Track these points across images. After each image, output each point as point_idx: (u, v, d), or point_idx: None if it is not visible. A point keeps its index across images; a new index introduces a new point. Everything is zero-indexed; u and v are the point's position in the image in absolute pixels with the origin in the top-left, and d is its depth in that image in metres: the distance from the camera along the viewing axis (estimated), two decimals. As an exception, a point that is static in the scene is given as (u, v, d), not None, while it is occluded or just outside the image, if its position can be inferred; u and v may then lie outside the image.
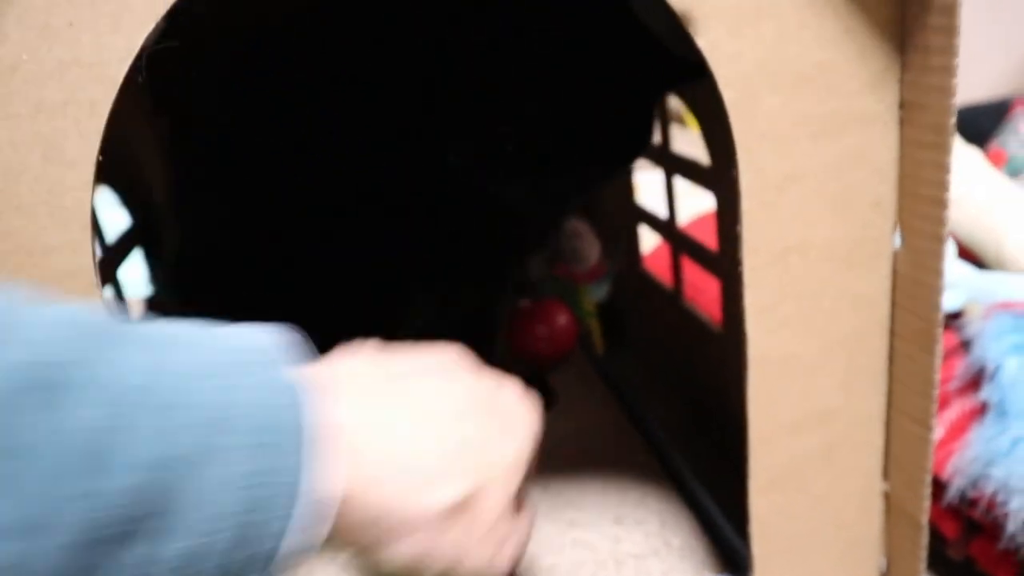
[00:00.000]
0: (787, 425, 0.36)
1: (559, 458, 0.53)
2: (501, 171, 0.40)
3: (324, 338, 0.27)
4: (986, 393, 0.42)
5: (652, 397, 0.59)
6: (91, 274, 0.29)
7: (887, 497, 0.39)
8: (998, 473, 0.40)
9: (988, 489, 0.40)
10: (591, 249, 0.59)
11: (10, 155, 0.27)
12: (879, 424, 0.38)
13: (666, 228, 0.57)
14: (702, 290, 0.57)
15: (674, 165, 0.54)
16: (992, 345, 0.42)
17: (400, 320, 0.51)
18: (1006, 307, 0.45)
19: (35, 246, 0.28)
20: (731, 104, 0.31)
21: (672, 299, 0.58)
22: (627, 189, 0.62)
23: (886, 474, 0.38)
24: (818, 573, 0.39)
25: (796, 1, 0.31)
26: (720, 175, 0.46)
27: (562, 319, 0.62)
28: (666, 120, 0.54)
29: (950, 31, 0.30)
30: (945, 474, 0.42)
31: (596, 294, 0.58)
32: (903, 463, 0.37)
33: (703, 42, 0.30)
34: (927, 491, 0.36)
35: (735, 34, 0.30)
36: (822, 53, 0.32)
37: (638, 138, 0.42)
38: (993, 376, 0.42)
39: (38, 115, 0.27)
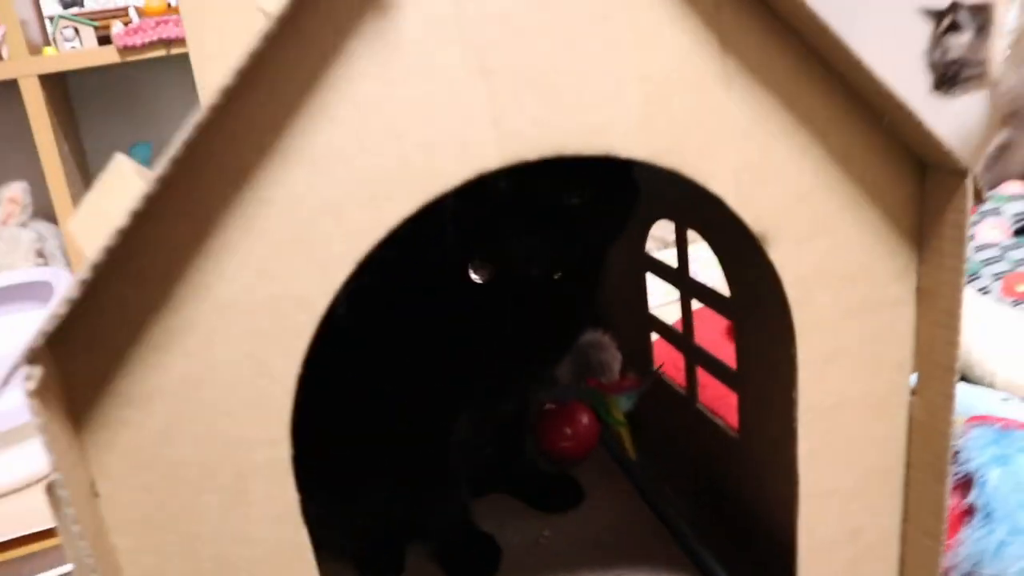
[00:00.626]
0: (827, 541, 0.44)
1: (598, 547, 0.61)
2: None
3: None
4: (973, 498, 0.51)
5: (669, 492, 0.66)
6: (287, 466, 0.34)
7: (905, 596, 0.47)
8: (987, 571, 0.48)
9: (981, 582, 0.49)
10: (614, 361, 0.67)
11: (225, 372, 0.33)
12: (897, 538, 0.46)
13: (683, 341, 0.65)
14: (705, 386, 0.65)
15: (692, 290, 0.63)
16: (975, 456, 0.51)
17: (446, 434, 0.57)
18: (982, 420, 0.54)
19: (240, 443, 0.34)
20: (793, 301, 0.39)
21: (687, 403, 0.66)
22: (642, 304, 0.70)
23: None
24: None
25: (843, 219, 0.39)
26: (738, 306, 0.55)
27: (585, 419, 0.69)
28: (684, 248, 0.63)
29: (959, 240, 0.39)
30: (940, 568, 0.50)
31: (625, 405, 0.65)
32: (917, 569, 0.45)
33: (775, 255, 0.38)
34: (941, 592, 0.44)
35: (798, 248, 0.38)
36: (862, 256, 0.40)
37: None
38: (979, 484, 0.50)
39: (253, 339, 0.33)
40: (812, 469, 0.42)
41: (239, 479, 0.33)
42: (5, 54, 1.20)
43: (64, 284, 1.11)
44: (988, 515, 0.50)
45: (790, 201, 0.38)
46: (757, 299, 0.52)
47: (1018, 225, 0.89)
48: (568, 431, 0.69)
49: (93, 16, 1.25)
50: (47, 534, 0.81)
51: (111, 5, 1.31)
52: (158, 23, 1.23)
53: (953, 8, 1.03)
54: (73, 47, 1.23)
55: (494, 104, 0.32)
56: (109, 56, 1.22)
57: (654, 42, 0.34)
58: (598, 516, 0.64)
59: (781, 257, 0.38)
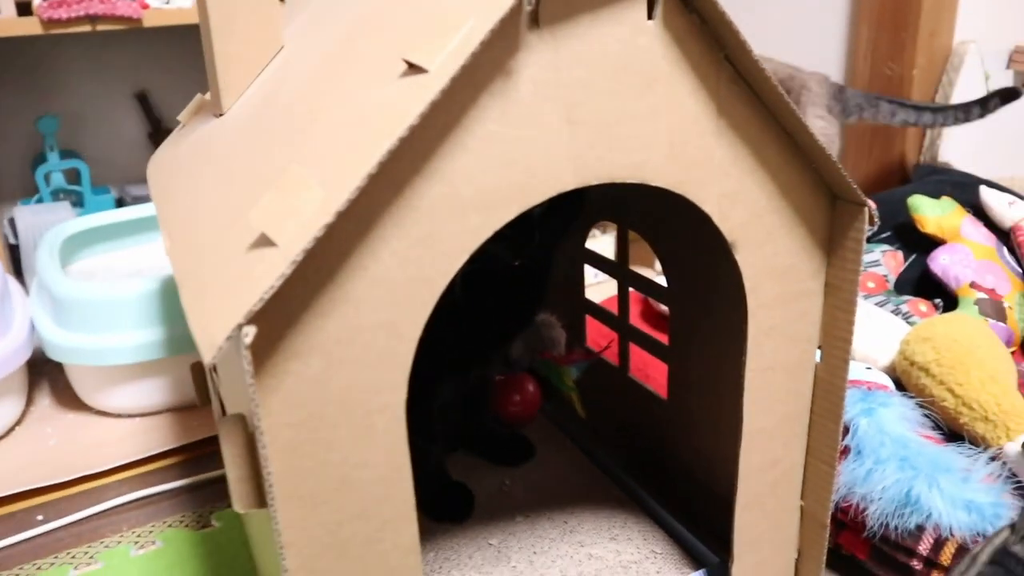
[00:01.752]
0: (756, 468, 0.59)
1: (550, 493, 0.74)
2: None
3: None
4: (847, 440, 0.68)
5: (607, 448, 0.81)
6: (402, 407, 0.45)
7: (802, 510, 0.63)
8: (859, 491, 0.65)
9: (853, 501, 0.66)
10: (561, 337, 0.81)
11: (367, 333, 0.43)
12: (802, 466, 0.62)
13: (617, 323, 0.79)
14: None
15: (629, 279, 0.77)
16: (849, 409, 0.68)
17: (432, 399, 0.69)
18: (854, 383, 0.71)
19: (371, 388, 0.44)
20: (748, 289, 0.53)
21: (619, 373, 0.80)
22: (580, 289, 0.84)
23: (803, 495, 0.62)
24: (769, 557, 0.63)
25: (783, 232, 0.54)
26: (678, 294, 0.69)
27: (531, 388, 0.82)
28: (625, 245, 0.77)
29: (857, 250, 0.55)
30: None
31: (574, 374, 0.79)
32: (815, 488, 0.62)
33: (739, 257, 0.52)
34: (829, 506, 0.61)
35: (754, 252, 0.53)
36: (793, 258, 0.55)
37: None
38: (852, 429, 0.68)
39: (390, 309, 0.43)
40: (750, 413, 0.57)
41: (366, 416, 0.44)
42: (-79, 18, 1.18)
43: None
44: (859, 452, 0.67)
45: (751, 219, 0.52)
46: (696, 289, 0.67)
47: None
48: (517, 398, 0.82)
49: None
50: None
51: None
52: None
53: None
54: (-8, 16, 1.23)
55: (573, 144, 0.44)
56: (31, 27, 1.23)
57: (678, 105, 0.47)
58: (548, 468, 0.78)
59: (743, 258, 0.53)
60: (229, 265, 0.42)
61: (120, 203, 1.50)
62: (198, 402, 0.88)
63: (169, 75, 1.59)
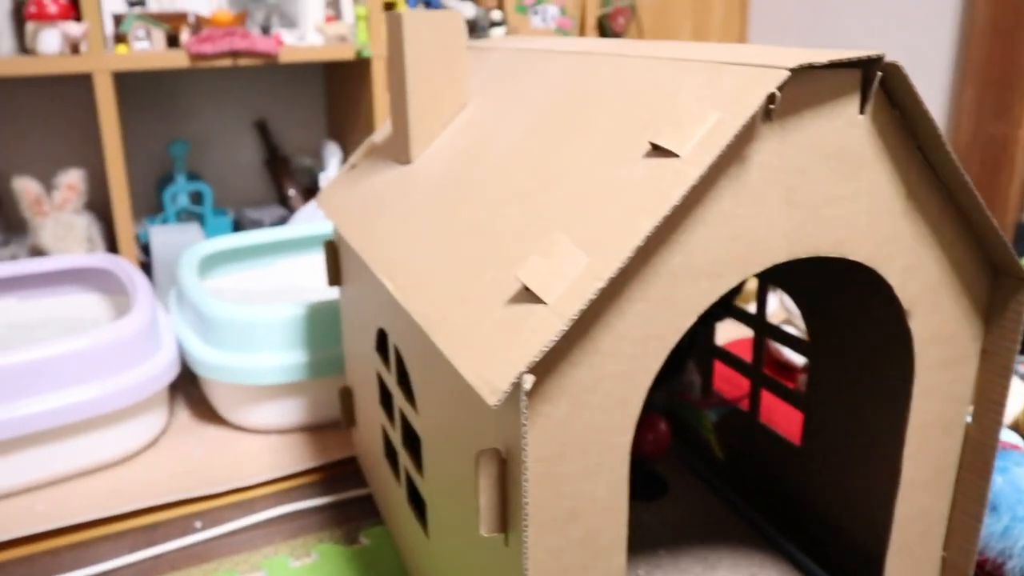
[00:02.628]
0: (908, 517, 0.64)
1: (683, 528, 0.79)
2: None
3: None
4: (981, 496, 0.72)
5: (736, 488, 0.85)
6: (628, 448, 0.51)
7: (944, 560, 0.67)
8: (996, 546, 0.69)
9: (989, 556, 0.70)
10: (697, 380, 0.86)
11: (607, 381, 0.49)
12: (946, 519, 0.66)
13: (750, 370, 0.84)
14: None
15: (767, 331, 0.82)
16: (982, 467, 0.72)
17: None
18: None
19: (605, 430, 0.50)
20: (917, 353, 0.58)
21: (750, 418, 0.85)
22: (712, 338, 0.89)
23: (946, 546, 0.67)
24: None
25: (950, 302, 0.59)
26: (820, 348, 0.74)
27: (662, 427, 0.87)
28: (764, 299, 0.82)
29: (1016, 320, 0.59)
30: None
31: (712, 417, 0.84)
32: (960, 540, 0.66)
33: (913, 324, 0.57)
34: (974, 558, 0.65)
35: (924, 319, 0.58)
36: (956, 326, 0.60)
37: None
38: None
39: (629, 361, 0.49)
40: (908, 466, 0.62)
41: (598, 455, 0.49)
42: (84, 48, 1.27)
43: (125, 271, 1.20)
44: (995, 508, 0.71)
45: (925, 290, 0.57)
46: (848, 346, 0.71)
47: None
48: (650, 436, 0.87)
49: (159, 18, 1.33)
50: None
51: (170, 8, 1.40)
52: (226, 34, 1.33)
53: None
54: (143, 47, 1.32)
55: (788, 222, 0.50)
56: (178, 60, 1.32)
57: (877, 189, 0.52)
58: (681, 505, 0.83)
59: (916, 325, 0.58)
60: (490, 315, 0.48)
61: (237, 224, 1.58)
62: (343, 425, 0.95)
63: (286, 105, 1.68)
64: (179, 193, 1.50)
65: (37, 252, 1.38)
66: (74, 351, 0.96)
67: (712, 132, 0.46)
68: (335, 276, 0.89)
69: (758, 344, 0.84)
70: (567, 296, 0.45)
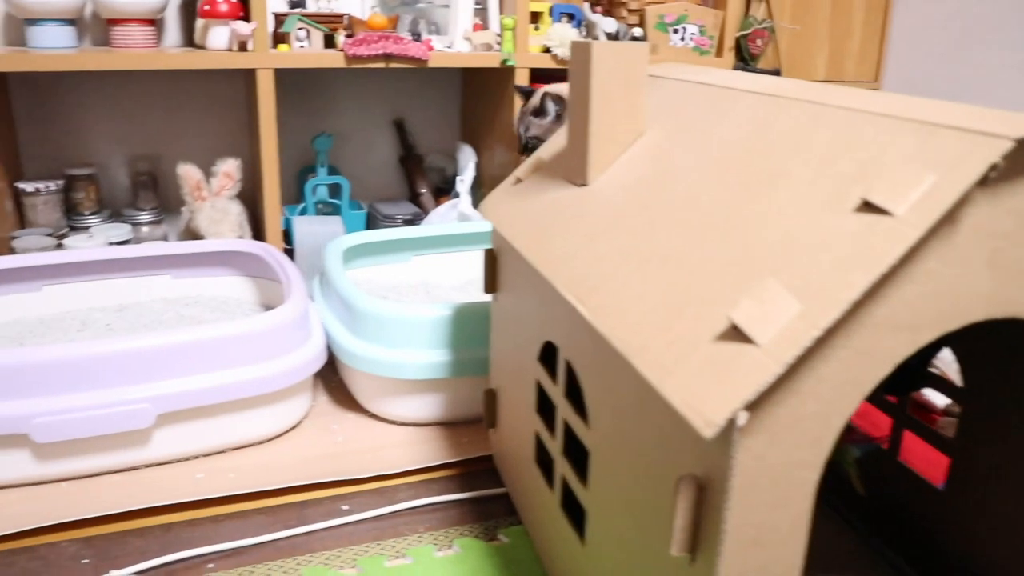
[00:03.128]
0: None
1: (829, 562, 0.80)
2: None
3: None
4: None
5: (870, 524, 0.87)
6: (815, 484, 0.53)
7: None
8: None
9: None
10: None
11: (806, 423, 0.51)
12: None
13: (895, 410, 0.85)
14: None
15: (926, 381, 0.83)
16: None
17: None
18: None
19: (799, 466, 0.52)
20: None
21: (890, 457, 0.86)
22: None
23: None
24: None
25: None
26: (970, 394, 0.75)
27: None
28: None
29: None
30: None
31: (855, 452, 0.85)
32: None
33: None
34: None
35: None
36: None
37: None
38: None
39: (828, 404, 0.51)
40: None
41: (787, 488, 0.52)
42: (250, 46, 1.35)
43: (276, 259, 1.27)
44: None
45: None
46: (1001, 393, 0.72)
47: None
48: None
49: (317, 19, 1.40)
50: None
51: (327, 10, 1.47)
52: (380, 37, 1.39)
53: (543, 96, 1.33)
54: (303, 47, 1.39)
55: (988, 284, 0.52)
56: (335, 60, 1.38)
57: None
58: (815, 534, 0.84)
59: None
60: (697, 350, 0.51)
61: (370, 218, 1.64)
62: (485, 425, 0.99)
63: (424, 106, 1.74)
64: (319, 185, 1.58)
65: (191, 234, 1.47)
66: (237, 334, 1.03)
67: (929, 195, 0.48)
68: (492, 283, 0.94)
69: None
70: (780, 340, 0.47)
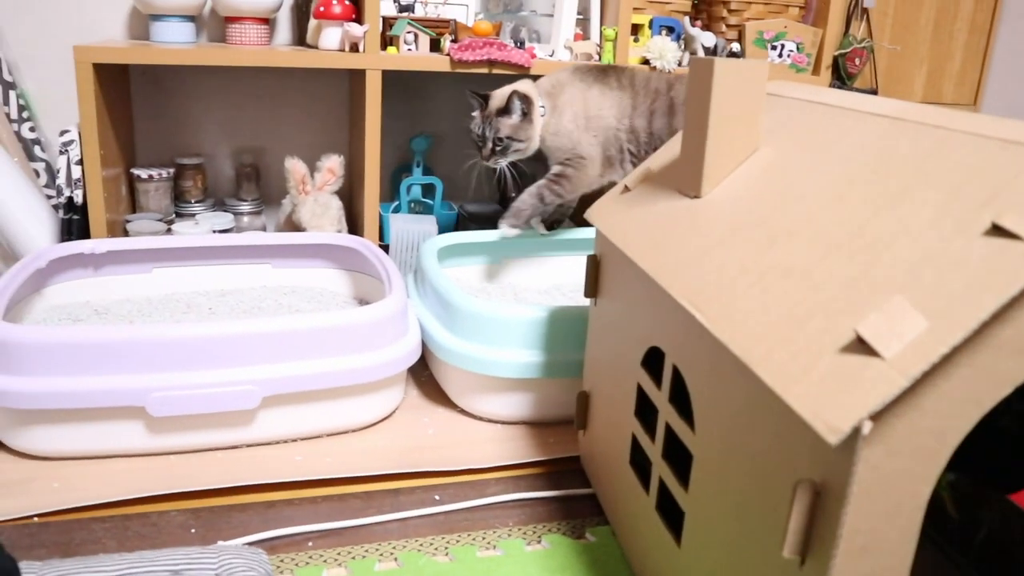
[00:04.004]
0: None
1: None
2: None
3: None
4: None
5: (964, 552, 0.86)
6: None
7: None
8: None
9: None
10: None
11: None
12: None
13: (997, 436, 0.85)
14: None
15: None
16: None
17: None
18: None
19: None
20: None
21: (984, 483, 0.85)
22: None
23: None
24: None
25: None
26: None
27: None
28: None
29: None
30: None
31: (950, 476, 0.85)
32: None
33: None
34: None
35: None
36: None
37: None
38: None
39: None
40: None
41: (898, 499, 0.53)
42: (361, 48, 1.40)
43: (374, 254, 1.32)
44: None
45: None
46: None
47: None
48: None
49: (425, 23, 1.45)
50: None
51: (434, 16, 1.51)
52: (485, 43, 1.42)
53: (510, 95, 1.32)
54: (410, 50, 1.43)
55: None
56: (441, 64, 1.42)
57: None
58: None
59: None
60: (821, 360, 0.52)
61: (459, 218, 1.68)
62: (576, 426, 1.01)
63: (517, 113, 1.77)
64: (414, 184, 1.62)
65: (292, 225, 1.53)
66: (342, 324, 1.07)
67: (1065, 220, 0.49)
68: (593, 288, 0.96)
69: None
70: (906, 355, 0.49)
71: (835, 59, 1.65)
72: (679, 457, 0.74)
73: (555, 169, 1.37)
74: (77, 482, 0.98)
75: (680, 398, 0.73)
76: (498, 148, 1.35)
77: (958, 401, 0.51)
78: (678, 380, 0.74)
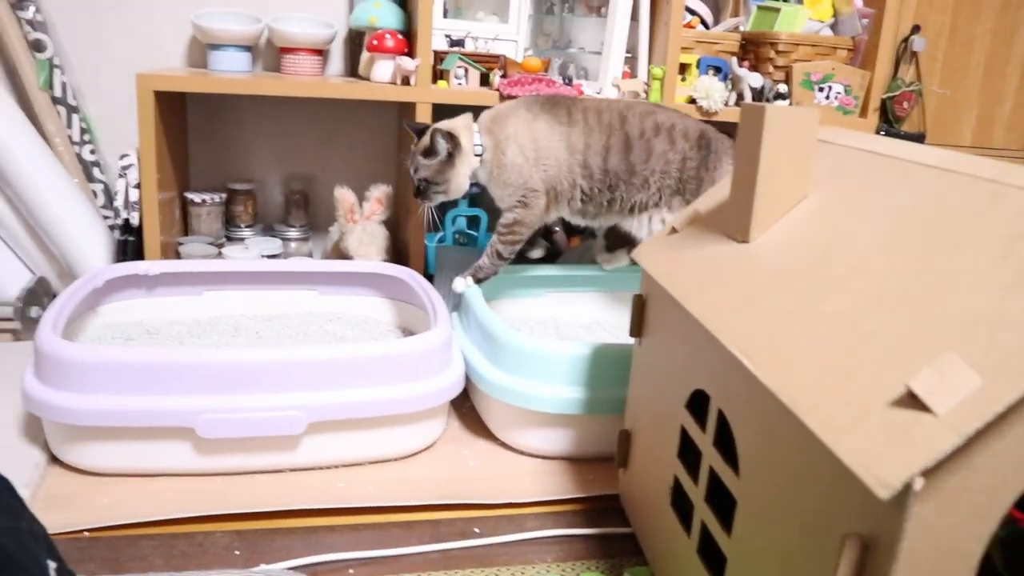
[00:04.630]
0: None
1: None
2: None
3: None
4: None
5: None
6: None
7: None
8: None
9: None
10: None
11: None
12: None
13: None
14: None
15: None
16: None
17: None
18: None
19: None
20: None
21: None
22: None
23: None
24: None
25: None
26: None
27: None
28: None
29: None
30: None
31: (998, 534, 0.84)
32: None
33: None
34: None
35: None
36: None
37: None
38: None
39: None
40: None
41: (949, 556, 0.53)
42: (413, 81, 1.43)
43: (420, 285, 1.33)
44: None
45: None
46: None
47: None
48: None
49: (475, 58, 1.47)
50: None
51: (484, 51, 1.54)
52: (534, 79, 1.45)
53: (432, 133, 1.23)
54: (460, 84, 1.46)
55: None
56: (491, 99, 1.45)
57: None
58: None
59: None
60: (871, 413, 0.53)
61: (503, 253, 1.70)
62: (617, 464, 1.02)
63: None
64: (460, 216, 1.64)
65: (339, 253, 1.55)
66: (388, 354, 1.09)
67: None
68: (639, 327, 0.97)
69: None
70: (960, 412, 0.49)
71: (883, 102, 1.65)
72: (722, 501, 0.75)
73: (503, 219, 1.30)
74: (126, 499, 1.00)
75: (724, 442, 0.74)
76: (421, 188, 1.28)
77: (1013, 461, 0.51)
78: (723, 424, 0.74)
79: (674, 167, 1.28)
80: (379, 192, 1.51)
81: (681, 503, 0.85)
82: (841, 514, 0.55)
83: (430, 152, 1.24)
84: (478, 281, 1.31)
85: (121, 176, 1.51)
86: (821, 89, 1.61)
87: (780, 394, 0.60)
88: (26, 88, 1.57)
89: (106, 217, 1.61)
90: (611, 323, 1.47)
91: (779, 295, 0.70)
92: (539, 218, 1.30)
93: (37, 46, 1.55)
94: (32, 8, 1.53)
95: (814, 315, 0.65)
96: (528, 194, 1.27)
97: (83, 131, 1.62)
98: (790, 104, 1.61)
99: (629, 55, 1.57)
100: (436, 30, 1.50)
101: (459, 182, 1.28)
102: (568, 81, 1.54)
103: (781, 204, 0.80)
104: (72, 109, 1.60)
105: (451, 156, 1.25)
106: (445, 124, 1.28)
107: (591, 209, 1.32)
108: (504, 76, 1.49)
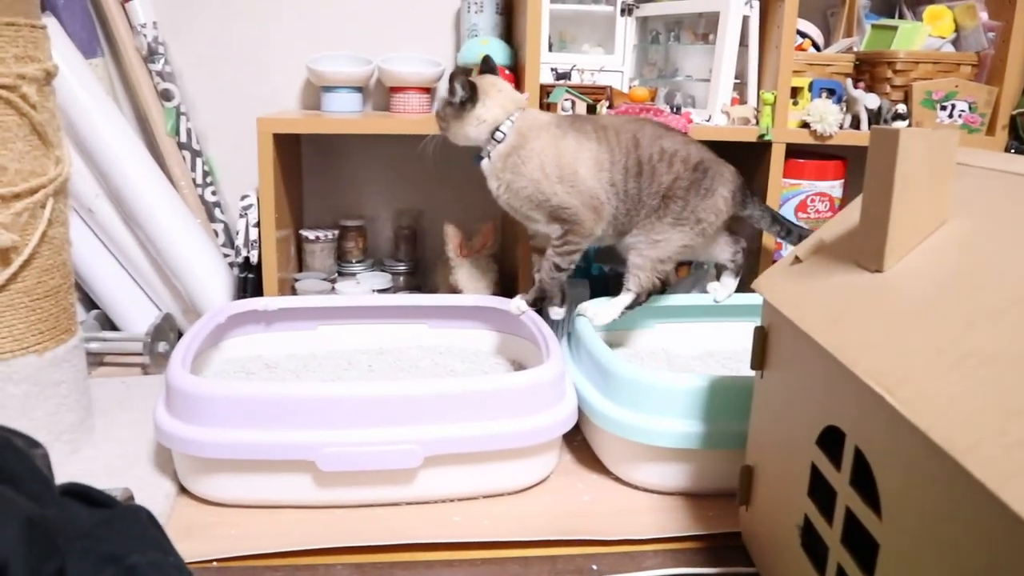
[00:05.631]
0: None
1: None
2: None
3: None
4: None
5: None
6: None
7: None
8: None
9: None
10: None
11: None
12: None
13: None
14: None
15: None
16: None
17: None
18: None
19: None
20: None
21: None
22: None
23: None
24: None
25: None
26: None
27: None
28: None
29: None
30: None
31: None
32: None
33: None
34: None
35: None
36: None
37: None
38: None
39: None
40: None
41: None
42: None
43: (526, 316, 1.33)
44: None
45: None
46: None
47: None
48: None
49: (582, 91, 1.47)
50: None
51: (590, 82, 1.54)
52: (641, 109, 1.43)
53: (452, 77, 1.25)
54: (567, 118, 1.46)
55: None
56: (596, 132, 1.44)
57: None
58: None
59: None
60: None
61: (608, 281, 1.68)
62: (738, 502, 0.98)
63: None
64: (567, 248, 1.63)
65: (449, 287, 1.57)
66: (502, 388, 1.08)
67: None
68: (761, 360, 0.93)
69: None
70: None
71: (1012, 118, 1.57)
72: (860, 543, 0.71)
73: (554, 235, 1.28)
74: (252, 529, 1.02)
75: (862, 481, 0.70)
76: (438, 114, 1.32)
77: None
78: (860, 462, 0.70)
79: (663, 188, 1.27)
80: (487, 227, 1.52)
81: (812, 544, 0.81)
82: (1001, 562, 0.51)
83: (451, 92, 1.27)
84: (540, 300, 1.31)
85: (242, 216, 1.56)
86: (944, 108, 1.55)
87: (931, 433, 0.56)
88: (155, 134, 1.65)
89: (226, 255, 1.67)
90: (723, 354, 1.43)
91: (922, 327, 0.66)
92: (591, 229, 1.27)
93: (166, 95, 1.63)
94: (162, 60, 1.61)
95: (966, 349, 0.61)
96: (557, 211, 1.26)
97: (206, 173, 1.69)
98: (909, 124, 1.55)
99: (738, 81, 1.54)
100: (543, 64, 1.51)
101: (457, 132, 1.30)
102: (676, 110, 1.52)
103: (918, 231, 0.77)
104: (196, 153, 1.67)
105: (463, 105, 1.26)
106: (494, 85, 1.29)
107: (611, 231, 1.31)
108: (611, 107, 1.49)
